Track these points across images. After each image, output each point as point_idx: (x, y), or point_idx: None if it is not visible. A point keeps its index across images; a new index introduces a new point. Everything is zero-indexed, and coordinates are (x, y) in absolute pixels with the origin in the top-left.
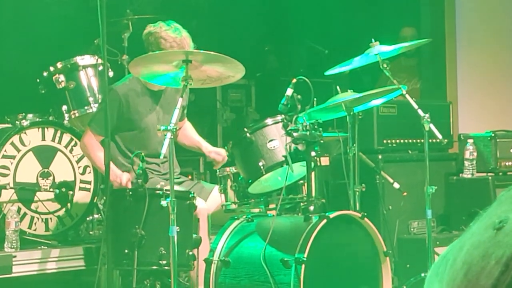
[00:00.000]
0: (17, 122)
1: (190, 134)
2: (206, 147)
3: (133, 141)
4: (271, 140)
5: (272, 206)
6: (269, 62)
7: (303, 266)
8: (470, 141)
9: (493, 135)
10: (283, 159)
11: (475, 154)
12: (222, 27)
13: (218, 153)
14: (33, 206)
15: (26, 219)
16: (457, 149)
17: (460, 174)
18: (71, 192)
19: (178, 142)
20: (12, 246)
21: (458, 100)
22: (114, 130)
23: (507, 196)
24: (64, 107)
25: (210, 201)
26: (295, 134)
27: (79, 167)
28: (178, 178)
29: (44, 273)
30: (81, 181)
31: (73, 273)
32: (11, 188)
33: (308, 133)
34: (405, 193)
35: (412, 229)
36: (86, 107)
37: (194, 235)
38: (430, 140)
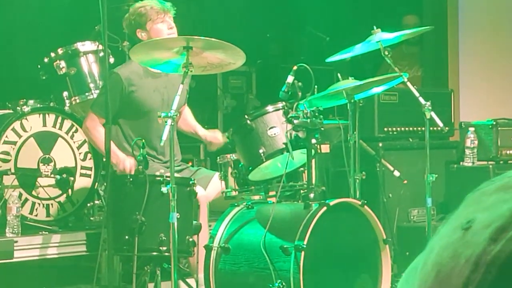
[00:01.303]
0: (18, 108)
1: (187, 119)
2: (202, 131)
3: (137, 124)
4: (271, 127)
5: (272, 193)
6: (270, 49)
7: (302, 253)
8: (471, 129)
9: (494, 123)
10: (284, 146)
11: (476, 142)
12: (223, 13)
13: (214, 135)
14: (34, 192)
15: (27, 204)
16: (458, 137)
17: (461, 163)
18: (72, 178)
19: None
20: (14, 232)
21: (459, 88)
22: (118, 114)
23: (473, 197)
24: (65, 93)
25: (210, 188)
26: (295, 121)
27: (80, 153)
28: (179, 165)
29: (45, 259)
30: (82, 167)
31: (74, 259)
32: (12, 173)
33: (308, 120)
34: (405, 181)
35: (412, 217)
36: (87, 93)
37: (194, 222)
38: (431, 128)
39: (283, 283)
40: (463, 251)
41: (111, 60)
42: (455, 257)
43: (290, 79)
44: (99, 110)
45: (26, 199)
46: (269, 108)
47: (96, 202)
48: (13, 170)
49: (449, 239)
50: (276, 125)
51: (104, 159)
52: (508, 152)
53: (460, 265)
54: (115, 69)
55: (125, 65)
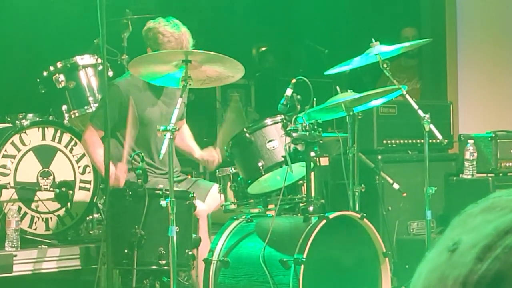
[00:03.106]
0: (17, 121)
1: (185, 138)
2: (198, 152)
3: (136, 137)
4: (270, 141)
5: (271, 206)
6: (268, 62)
7: (302, 266)
8: (471, 141)
9: (493, 135)
10: (283, 159)
11: (475, 154)
12: (221, 26)
13: (211, 154)
14: (33, 206)
15: (27, 218)
16: (457, 149)
17: (460, 175)
18: (71, 192)
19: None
20: (13, 245)
21: (458, 100)
22: (116, 126)
23: (459, 220)
24: (64, 107)
25: (209, 200)
26: (294, 134)
27: (79, 167)
28: (178, 176)
29: (44, 272)
30: (81, 181)
31: (73, 272)
32: (11, 187)
33: (307, 133)
34: (404, 194)
35: (411, 230)
36: (86, 107)
37: (193, 235)
38: (430, 141)
39: None
40: (451, 273)
41: (110, 73)
42: (443, 278)
43: (288, 92)
44: (98, 122)
45: (26, 213)
46: (268, 121)
47: (95, 215)
48: (12, 184)
49: (436, 262)
50: (275, 138)
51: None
52: (507, 164)
53: (448, 287)
54: (114, 81)
55: (125, 77)
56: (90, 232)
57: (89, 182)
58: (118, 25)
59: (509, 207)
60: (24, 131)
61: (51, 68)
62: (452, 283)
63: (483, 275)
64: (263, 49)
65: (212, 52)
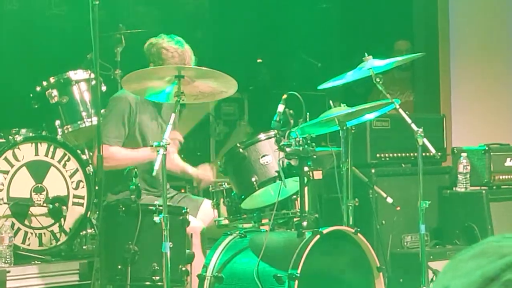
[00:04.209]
0: (10, 137)
1: (175, 157)
2: (192, 169)
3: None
4: (264, 156)
5: (265, 221)
6: (261, 75)
7: (296, 282)
8: (464, 154)
9: (487, 148)
10: (276, 174)
11: (468, 167)
12: (214, 40)
13: (205, 173)
14: (26, 221)
15: (20, 234)
16: (450, 162)
17: (454, 188)
18: (64, 207)
19: None
20: (6, 262)
21: (451, 113)
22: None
23: (451, 264)
24: (57, 122)
25: (201, 215)
26: (288, 149)
27: (72, 182)
28: (168, 193)
29: None
30: (74, 196)
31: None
32: (4, 203)
33: (301, 148)
34: (398, 208)
35: (405, 244)
36: (79, 122)
37: (187, 251)
38: (423, 154)
39: None
40: None
41: (103, 88)
42: None
43: (280, 108)
44: (109, 138)
45: (19, 229)
46: (261, 136)
47: (89, 231)
48: (5, 200)
49: None
50: (268, 153)
51: (97, 187)
52: (501, 177)
53: None
54: (122, 94)
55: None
56: (84, 247)
57: (82, 197)
58: (111, 39)
59: (497, 254)
60: (17, 147)
61: (44, 83)
62: None
63: None
64: (258, 61)
65: (204, 68)
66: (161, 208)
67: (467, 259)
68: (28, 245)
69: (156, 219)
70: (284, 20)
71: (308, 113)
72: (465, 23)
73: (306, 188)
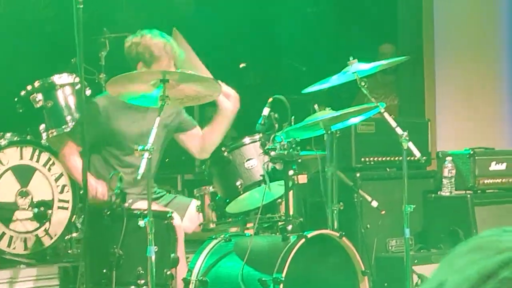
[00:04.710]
0: None
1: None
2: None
3: (115, 155)
4: (248, 159)
5: (250, 225)
6: (247, 79)
7: (281, 285)
8: (449, 158)
9: (471, 152)
10: (261, 178)
11: (453, 171)
12: (200, 44)
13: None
14: (11, 225)
15: (5, 238)
16: (435, 166)
17: (439, 192)
18: (49, 211)
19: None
20: None
21: (436, 117)
22: (97, 142)
23: (447, 259)
24: (42, 126)
25: (188, 219)
26: (272, 153)
27: (57, 186)
28: (156, 194)
29: None
30: (59, 200)
31: None
32: None
33: (285, 152)
34: (383, 212)
35: (390, 247)
36: (63, 126)
37: (172, 255)
38: (408, 158)
39: None
40: None
41: (88, 92)
42: None
43: (265, 111)
44: (77, 138)
45: (4, 233)
46: (246, 140)
47: (74, 235)
48: None
49: None
50: (253, 157)
51: (82, 191)
52: (485, 181)
53: None
54: (94, 98)
55: (105, 94)
56: (69, 251)
57: (67, 201)
58: (95, 44)
59: (495, 249)
60: (2, 151)
61: (29, 87)
62: None
63: None
64: (243, 65)
65: (189, 71)
66: (146, 212)
67: (463, 254)
68: (14, 249)
69: (141, 223)
70: (271, 24)
71: (293, 117)
72: (450, 26)
73: (291, 192)
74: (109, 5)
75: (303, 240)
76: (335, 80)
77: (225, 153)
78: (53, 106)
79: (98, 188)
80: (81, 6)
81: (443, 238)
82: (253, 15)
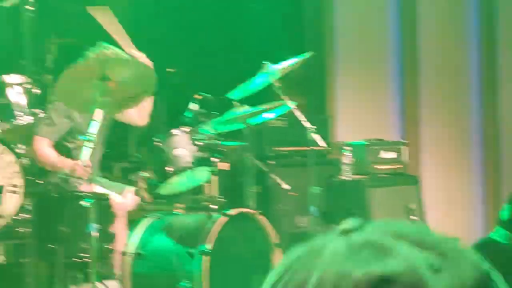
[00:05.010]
0: None
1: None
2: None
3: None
4: (177, 148)
5: (179, 205)
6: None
7: (206, 257)
8: (348, 148)
9: (367, 143)
10: (189, 164)
11: (352, 159)
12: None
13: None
14: None
15: None
16: (337, 155)
17: (339, 177)
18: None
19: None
20: None
21: (338, 113)
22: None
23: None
24: None
25: (126, 198)
26: (199, 143)
27: (7, 173)
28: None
29: None
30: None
31: (2, 267)
32: None
33: (210, 141)
34: (293, 193)
35: (299, 224)
36: (11, 120)
37: (110, 231)
38: (314, 148)
39: (190, 283)
40: None
41: (37, 91)
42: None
43: (193, 106)
44: (42, 131)
45: None
46: (176, 131)
47: (23, 215)
48: None
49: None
50: (181, 146)
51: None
52: (378, 167)
53: None
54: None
55: None
56: (20, 230)
57: (18, 187)
58: (43, 47)
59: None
60: None
61: None
62: None
63: None
64: (171, 70)
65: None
66: (88, 194)
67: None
68: None
69: (83, 203)
70: (196, 32)
71: (218, 113)
72: (348, 32)
73: (215, 177)
74: (59, 9)
75: (226, 217)
76: (253, 83)
77: (157, 143)
78: (3, 103)
79: (78, 167)
80: (32, 8)
81: (343, 215)
82: (181, 21)
